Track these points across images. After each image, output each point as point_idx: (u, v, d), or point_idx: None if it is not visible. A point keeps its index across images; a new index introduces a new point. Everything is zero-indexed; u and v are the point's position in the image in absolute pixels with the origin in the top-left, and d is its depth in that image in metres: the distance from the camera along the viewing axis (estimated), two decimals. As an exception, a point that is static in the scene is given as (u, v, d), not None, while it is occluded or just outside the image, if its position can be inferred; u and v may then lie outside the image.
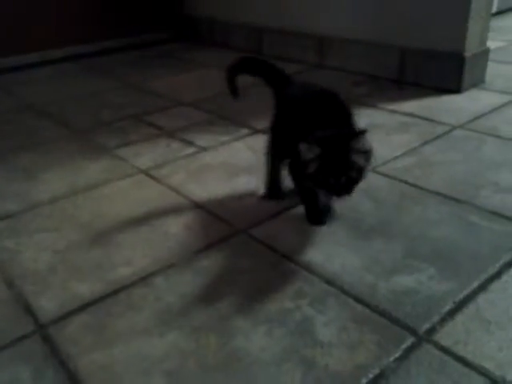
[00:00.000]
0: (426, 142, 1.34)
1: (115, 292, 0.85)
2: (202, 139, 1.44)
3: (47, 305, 0.83)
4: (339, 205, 1.07)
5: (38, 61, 2.34)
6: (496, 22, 2.54)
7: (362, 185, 1.14)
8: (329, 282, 0.85)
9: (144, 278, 0.88)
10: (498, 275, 0.84)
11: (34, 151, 1.43)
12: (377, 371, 0.68)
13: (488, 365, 0.68)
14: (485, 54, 1.73)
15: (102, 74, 2.20)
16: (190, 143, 1.43)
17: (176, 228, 1.03)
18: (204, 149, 1.38)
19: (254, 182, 1.18)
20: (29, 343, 0.76)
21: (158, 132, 1.52)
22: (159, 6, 2.69)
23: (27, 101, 1.86)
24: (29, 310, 0.82)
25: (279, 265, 0.90)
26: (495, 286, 0.82)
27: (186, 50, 2.54)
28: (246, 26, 2.38)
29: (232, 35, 2.47)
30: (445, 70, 1.69)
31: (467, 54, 1.65)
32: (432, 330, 0.74)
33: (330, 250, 0.93)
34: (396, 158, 1.27)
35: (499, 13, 2.84)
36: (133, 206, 1.12)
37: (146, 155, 1.37)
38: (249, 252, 0.94)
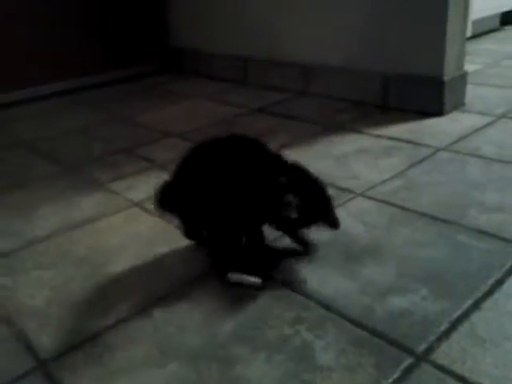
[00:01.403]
0: (411, 165, 1.38)
1: (114, 326, 0.86)
2: (193, 170, 1.46)
3: (47, 341, 0.83)
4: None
5: (27, 97, 2.36)
6: (472, 46, 2.63)
7: (352, 208, 1.18)
8: (325, 306, 0.86)
9: (142, 311, 0.89)
10: (489, 293, 0.86)
11: (26, 188, 1.44)
12: (377, 393, 0.69)
13: (485, 382, 0.69)
14: (463, 77, 1.79)
15: (91, 108, 2.23)
16: (182, 174, 1.45)
17: (171, 259, 1.04)
18: (195, 179, 1.40)
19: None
20: (30, 380, 0.76)
21: (150, 164, 1.55)
22: (145, 39, 2.74)
23: (17, 138, 1.88)
24: (29, 347, 0.83)
25: (276, 291, 0.91)
26: (488, 303, 0.84)
27: (172, 82, 2.58)
28: (231, 57, 2.44)
29: (217, 66, 2.53)
30: (426, 94, 1.75)
31: (446, 78, 1.71)
32: (429, 350, 0.75)
33: (325, 275, 0.95)
34: (383, 181, 1.30)
35: (474, 36, 2.94)
36: (127, 240, 1.13)
37: (138, 188, 1.39)
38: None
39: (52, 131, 1.93)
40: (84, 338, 0.84)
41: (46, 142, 1.82)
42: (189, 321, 0.86)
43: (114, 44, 2.62)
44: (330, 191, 1.26)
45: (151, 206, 1.27)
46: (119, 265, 1.03)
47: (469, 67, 1.84)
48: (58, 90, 2.45)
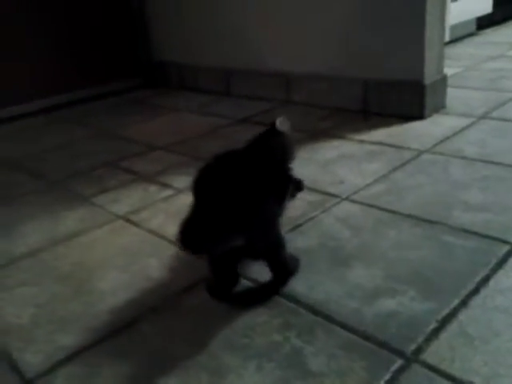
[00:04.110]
0: (395, 169, 1.38)
1: (101, 340, 0.85)
2: (179, 181, 1.46)
3: (33, 359, 0.82)
4: (317, 235, 1.09)
5: (6, 116, 2.34)
6: (450, 50, 2.67)
7: (338, 213, 1.18)
8: (314, 311, 0.86)
9: (129, 324, 0.88)
10: (476, 291, 0.87)
11: (9, 205, 1.42)
12: (369, 396, 0.69)
13: (475, 379, 0.69)
14: (443, 80, 1.82)
15: (73, 124, 2.21)
16: (168, 186, 1.44)
17: (158, 271, 1.03)
18: (181, 191, 1.39)
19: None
20: (16, 400, 0.74)
21: (134, 177, 1.54)
22: (127, 54, 2.74)
23: (0, 156, 1.86)
24: (14, 367, 0.81)
25: (263, 298, 0.91)
26: (475, 301, 0.84)
27: (155, 96, 2.58)
28: (214, 69, 2.45)
29: (200, 78, 2.53)
30: (407, 98, 1.77)
31: (427, 82, 1.73)
32: (419, 350, 0.75)
33: (313, 280, 0.94)
34: (368, 185, 1.30)
35: (452, 41, 2.99)
36: (113, 253, 1.12)
37: (123, 201, 1.38)
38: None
39: (35, 148, 1.91)
40: (71, 354, 0.82)
41: (28, 159, 1.80)
42: (178, 332, 0.85)
43: (96, 59, 2.62)
44: (316, 196, 1.27)
45: (136, 218, 1.27)
46: (105, 279, 1.02)
47: (448, 71, 1.87)
48: (39, 108, 2.43)
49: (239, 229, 0.82)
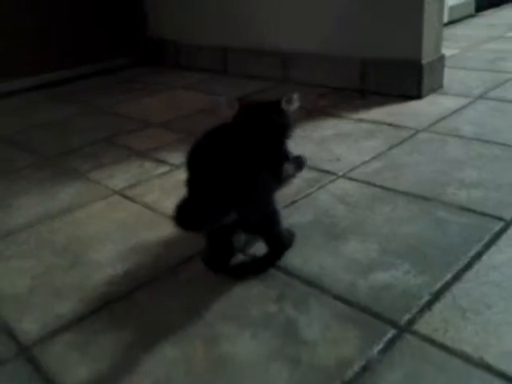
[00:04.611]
0: (392, 147, 1.39)
1: (98, 310, 0.85)
2: (175, 158, 1.45)
3: (29, 327, 0.82)
4: (313, 211, 1.10)
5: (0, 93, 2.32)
6: (449, 31, 2.66)
7: (334, 190, 1.19)
8: (309, 283, 0.87)
9: (126, 295, 0.88)
10: (469, 265, 0.87)
11: (4, 180, 1.42)
12: (362, 363, 0.70)
13: (467, 348, 0.70)
14: (441, 60, 1.81)
15: (68, 101, 2.20)
16: (163, 162, 1.44)
17: (155, 245, 1.03)
18: (177, 167, 1.39)
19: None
20: (12, 366, 0.75)
21: (130, 153, 1.53)
22: (123, 32, 2.71)
23: (-6, 132, 1.85)
24: (10, 334, 0.81)
25: (258, 270, 0.91)
26: (468, 275, 0.85)
27: (151, 74, 2.56)
28: (210, 47, 2.42)
29: (196, 57, 2.51)
30: (404, 77, 1.76)
31: (424, 61, 1.72)
32: (412, 321, 0.76)
33: (307, 254, 0.95)
34: (364, 163, 1.31)
35: (451, 22, 2.97)
36: (109, 227, 1.12)
37: (119, 176, 1.37)
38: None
39: (29, 125, 1.90)
40: (67, 323, 0.83)
41: (23, 135, 1.79)
42: (174, 303, 0.85)
43: (91, 37, 2.59)
44: (312, 174, 1.27)
45: (132, 193, 1.27)
46: (102, 252, 1.02)
47: (446, 52, 1.86)
48: (32, 85, 2.40)
49: (232, 204, 0.82)
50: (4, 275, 0.97)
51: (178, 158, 1.44)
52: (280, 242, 0.93)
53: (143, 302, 0.86)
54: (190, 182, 0.84)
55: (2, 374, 0.74)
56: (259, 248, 0.95)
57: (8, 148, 1.68)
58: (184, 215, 0.80)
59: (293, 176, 1.04)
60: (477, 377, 0.66)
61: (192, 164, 0.87)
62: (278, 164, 0.93)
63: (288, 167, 0.98)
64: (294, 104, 0.97)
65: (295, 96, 0.97)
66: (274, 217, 0.90)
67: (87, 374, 0.72)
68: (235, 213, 0.83)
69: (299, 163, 1.05)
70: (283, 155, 0.96)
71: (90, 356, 0.76)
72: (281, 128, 0.96)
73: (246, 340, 0.75)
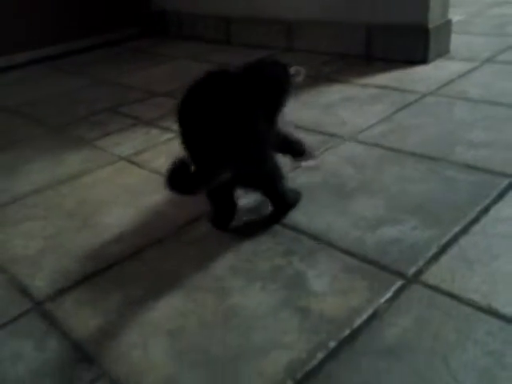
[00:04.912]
0: (398, 110, 1.38)
1: (109, 267, 0.87)
2: (180, 125, 1.45)
3: (42, 284, 0.84)
4: (320, 172, 1.10)
5: (5, 65, 2.31)
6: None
7: (341, 152, 1.19)
8: (316, 239, 0.87)
9: (136, 253, 0.90)
10: (477, 219, 0.88)
11: (12, 149, 1.42)
12: (370, 311, 0.71)
13: (474, 296, 0.71)
14: (447, 24, 1.78)
15: (72, 73, 2.19)
16: (168, 129, 1.44)
17: (163, 206, 1.04)
18: (183, 133, 1.39)
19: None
20: (27, 320, 0.77)
21: (135, 122, 1.53)
22: (125, 3, 2.68)
23: (-1, 104, 1.85)
24: (24, 291, 0.83)
25: (265, 228, 0.92)
26: (475, 228, 0.85)
27: (154, 45, 2.54)
28: (213, 17, 2.40)
29: (200, 27, 2.49)
30: (410, 42, 1.74)
31: (431, 26, 1.69)
32: (419, 272, 0.77)
33: (315, 212, 0.95)
34: (371, 126, 1.30)
35: (458, -10, 2.91)
36: (117, 191, 1.13)
37: (125, 144, 1.38)
38: (236, 220, 0.95)
39: (35, 96, 1.90)
40: (79, 280, 0.84)
41: (30, 106, 1.79)
42: (184, 259, 0.86)
43: (94, 9, 2.56)
44: (319, 137, 1.27)
45: (139, 159, 1.27)
46: (111, 214, 1.03)
47: (453, 17, 1.83)
48: (37, 57, 2.40)
49: (227, 160, 0.81)
50: (15, 237, 0.99)
51: (184, 124, 1.44)
52: (284, 200, 0.93)
53: (153, 260, 0.87)
54: (184, 138, 0.83)
55: (18, 327, 0.75)
56: (264, 207, 0.95)
57: (15, 119, 1.68)
58: (176, 179, 0.80)
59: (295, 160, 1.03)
60: (485, 321, 0.67)
61: (184, 118, 0.83)
62: (272, 123, 0.92)
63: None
64: (300, 76, 0.96)
65: (303, 70, 0.96)
66: (274, 172, 0.89)
67: (100, 328, 0.74)
68: (232, 169, 0.82)
69: (299, 149, 1.02)
70: (278, 115, 0.94)
71: (102, 310, 0.77)
72: (279, 83, 0.94)
73: (256, 292, 0.76)
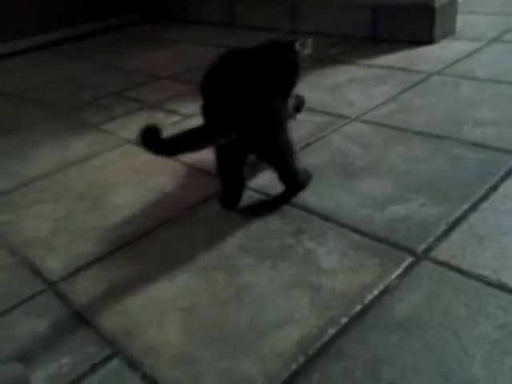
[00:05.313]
0: (404, 90, 1.37)
1: (120, 248, 0.87)
2: (186, 108, 1.45)
3: (54, 265, 0.85)
4: (327, 152, 1.10)
5: (9, 52, 2.31)
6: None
7: (348, 132, 1.19)
8: (326, 218, 0.88)
9: (147, 233, 0.90)
10: (485, 196, 0.88)
11: (20, 133, 1.43)
12: (381, 287, 0.71)
13: (484, 272, 0.72)
14: (453, 4, 1.76)
15: (77, 58, 2.18)
16: (174, 112, 1.44)
17: (171, 187, 1.05)
18: (188, 116, 1.39)
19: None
20: (42, 299, 0.78)
21: (141, 105, 1.53)
22: (127, -12, 2.66)
23: (4, 90, 1.85)
24: (37, 272, 0.84)
25: (275, 208, 0.92)
26: (484, 205, 0.86)
27: (157, 30, 2.53)
28: (217, 0, 2.38)
29: (203, 10, 2.47)
30: (416, 22, 1.72)
31: (437, 5, 1.68)
32: (429, 249, 0.77)
33: (324, 192, 0.96)
34: (377, 106, 1.30)
35: (463, -31, 2.87)
36: (126, 173, 1.13)
37: (132, 127, 1.38)
38: (245, 201, 0.96)
39: (39, 81, 1.90)
40: (91, 260, 0.85)
41: (34, 91, 1.79)
42: (194, 238, 0.87)
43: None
44: (325, 118, 1.27)
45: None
46: (120, 195, 1.04)
47: (459, -4, 1.81)
48: (41, 43, 2.39)
49: (238, 122, 0.83)
50: (26, 220, 1.00)
51: (189, 107, 1.44)
52: (295, 178, 0.94)
53: (164, 239, 0.88)
54: (206, 106, 0.86)
55: (33, 307, 0.77)
56: (273, 187, 0.96)
57: (20, 104, 1.68)
58: (148, 138, 0.81)
59: (293, 115, 1.07)
60: (495, 296, 0.67)
61: (208, 87, 0.88)
62: (286, 96, 0.94)
63: (289, 105, 1.00)
64: (307, 48, 0.99)
65: (310, 40, 0.99)
66: (286, 147, 0.91)
67: (112, 307, 0.74)
68: (248, 134, 0.84)
69: (300, 102, 1.08)
70: (291, 91, 0.98)
71: (115, 290, 0.78)
72: (291, 65, 0.96)
73: (267, 270, 0.77)
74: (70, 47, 2.38)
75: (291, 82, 0.97)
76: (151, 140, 0.80)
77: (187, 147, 0.85)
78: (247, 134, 0.84)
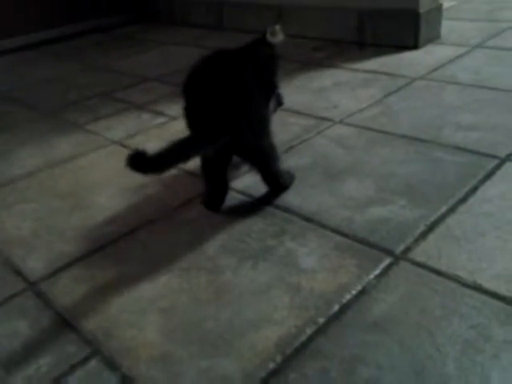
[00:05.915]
0: (388, 94, 1.39)
1: (101, 248, 0.88)
2: (172, 109, 1.45)
3: (35, 265, 0.85)
4: (311, 154, 1.11)
5: (-4, 51, 2.30)
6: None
7: (331, 135, 1.20)
8: (307, 219, 0.89)
9: (129, 233, 0.91)
10: (464, 199, 0.89)
11: (4, 133, 1.42)
12: (359, 288, 0.72)
13: (460, 273, 0.73)
14: (438, 9, 1.79)
15: (64, 59, 2.18)
16: (160, 113, 1.44)
17: (155, 188, 1.05)
18: (174, 118, 1.39)
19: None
20: (22, 299, 0.78)
21: (127, 106, 1.53)
22: (115, -11, 2.66)
23: (-10, 89, 1.84)
24: (17, 272, 0.84)
25: (258, 210, 0.93)
26: (462, 208, 0.87)
27: (146, 31, 2.53)
28: (206, 2, 2.39)
29: (191, 12, 2.48)
30: (401, 27, 1.74)
31: (422, 11, 1.70)
32: (407, 250, 0.79)
33: (306, 193, 0.97)
34: (362, 109, 1.31)
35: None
36: (110, 174, 1.13)
37: (117, 128, 1.38)
38: (228, 202, 0.96)
39: (25, 82, 1.89)
40: (72, 260, 0.85)
41: (20, 91, 1.78)
42: (177, 239, 0.88)
43: (83, -7, 2.54)
44: (309, 121, 1.28)
45: (131, 143, 1.28)
46: (104, 195, 1.04)
47: (444, 4, 1.83)
48: (28, 43, 2.38)
49: (227, 125, 0.84)
50: (8, 219, 0.99)
51: (175, 109, 1.44)
52: (278, 180, 0.95)
53: (146, 239, 0.88)
54: (189, 110, 0.86)
55: (13, 307, 0.76)
56: (256, 189, 0.96)
57: (6, 103, 1.67)
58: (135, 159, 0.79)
59: (273, 112, 1.07)
60: (470, 297, 0.69)
61: (190, 89, 0.88)
62: (268, 92, 0.96)
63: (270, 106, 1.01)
64: (278, 35, 0.98)
65: (277, 27, 0.98)
66: (271, 149, 0.92)
67: (93, 307, 0.75)
68: (233, 136, 0.85)
69: (279, 99, 1.09)
70: (273, 85, 0.98)
71: (96, 290, 0.78)
72: (269, 58, 0.97)
73: (247, 270, 0.78)
74: (57, 47, 2.37)
75: (273, 77, 0.97)
76: (138, 162, 0.79)
77: (177, 161, 0.83)
78: (235, 137, 0.85)
